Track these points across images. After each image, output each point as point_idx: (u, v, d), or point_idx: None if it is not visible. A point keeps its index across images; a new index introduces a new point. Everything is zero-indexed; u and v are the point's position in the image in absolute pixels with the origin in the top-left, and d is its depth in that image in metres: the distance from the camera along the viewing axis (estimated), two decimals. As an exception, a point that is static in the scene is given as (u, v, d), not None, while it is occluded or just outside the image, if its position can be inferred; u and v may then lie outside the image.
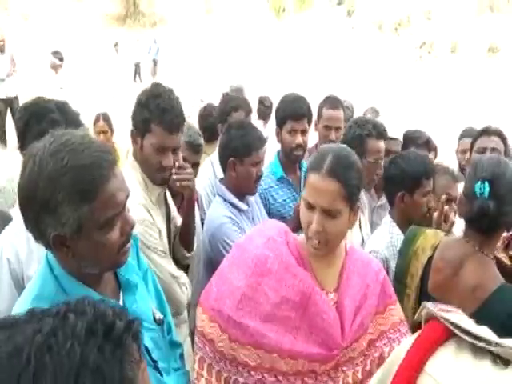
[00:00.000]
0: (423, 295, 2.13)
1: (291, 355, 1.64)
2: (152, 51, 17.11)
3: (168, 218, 2.42)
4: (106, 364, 0.79)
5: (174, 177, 2.26)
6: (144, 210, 2.17)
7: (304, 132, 3.09)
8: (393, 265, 2.53)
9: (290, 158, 3.12)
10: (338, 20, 33.24)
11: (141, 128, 2.17)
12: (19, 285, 1.88)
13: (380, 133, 2.99)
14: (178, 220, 2.50)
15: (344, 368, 1.71)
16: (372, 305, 1.78)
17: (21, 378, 0.74)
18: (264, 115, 6.50)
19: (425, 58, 31.06)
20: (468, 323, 1.14)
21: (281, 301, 1.65)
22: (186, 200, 2.42)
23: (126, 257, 1.42)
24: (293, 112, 3.05)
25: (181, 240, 2.47)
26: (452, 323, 1.14)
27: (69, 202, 1.24)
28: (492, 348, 1.07)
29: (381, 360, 1.75)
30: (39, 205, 1.25)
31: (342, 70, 21.45)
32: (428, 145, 3.57)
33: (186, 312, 2.45)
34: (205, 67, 17.94)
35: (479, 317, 1.82)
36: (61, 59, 8.60)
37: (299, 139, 3.05)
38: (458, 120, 11.40)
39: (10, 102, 9.24)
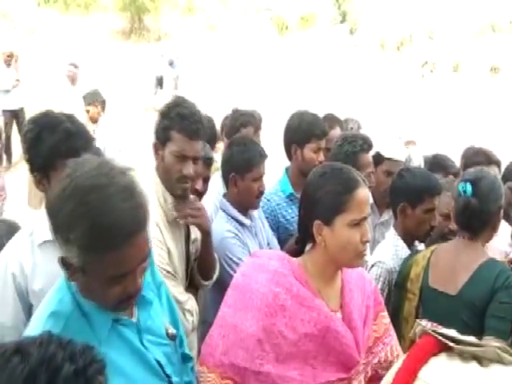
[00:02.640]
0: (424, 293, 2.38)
1: None
2: (176, 67, 17.23)
3: (187, 240, 2.37)
4: None
5: (174, 206, 2.21)
6: (155, 227, 2.14)
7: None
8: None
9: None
10: (340, 38, 33.44)
11: (162, 137, 2.17)
12: (24, 299, 1.86)
13: (369, 146, 3.13)
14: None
15: (353, 381, 1.72)
16: (372, 314, 1.82)
17: None
18: None
19: (427, 77, 31.20)
20: (454, 333, 1.29)
21: (299, 337, 1.59)
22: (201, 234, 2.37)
23: (127, 305, 1.39)
24: (319, 130, 3.10)
25: (198, 268, 2.43)
26: (440, 334, 1.28)
27: (79, 245, 1.21)
28: (472, 348, 1.21)
29: (378, 365, 1.81)
30: (56, 227, 1.24)
31: (345, 88, 21.55)
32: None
33: (195, 342, 2.27)
34: (208, 83, 18.04)
35: (471, 284, 2.17)
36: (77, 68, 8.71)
37: (322, 156, 3.11)
38: (460, 139, 11.44)
39: (15, 114, 9.31)
